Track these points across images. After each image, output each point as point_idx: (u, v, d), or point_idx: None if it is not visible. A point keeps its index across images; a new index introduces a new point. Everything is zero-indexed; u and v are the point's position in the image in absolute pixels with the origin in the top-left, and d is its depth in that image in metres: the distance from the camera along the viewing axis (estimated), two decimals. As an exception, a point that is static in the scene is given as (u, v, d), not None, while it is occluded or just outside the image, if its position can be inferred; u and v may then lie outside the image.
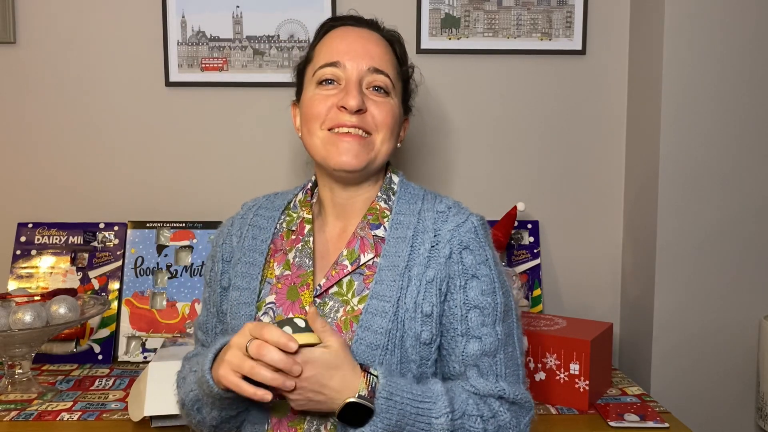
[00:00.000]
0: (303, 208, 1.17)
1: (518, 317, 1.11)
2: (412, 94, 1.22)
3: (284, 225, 1.17)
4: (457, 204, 1.12)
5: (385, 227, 1.11)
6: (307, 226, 1.15)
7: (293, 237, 1.15)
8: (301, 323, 0.96)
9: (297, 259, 1.12)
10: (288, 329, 0.94)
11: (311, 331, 0.96)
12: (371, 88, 1.10)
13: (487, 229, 1.11)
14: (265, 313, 1.09)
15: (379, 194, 1.14)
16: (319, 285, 1.08)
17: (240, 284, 1.13)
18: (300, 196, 1.21)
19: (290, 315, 1.07)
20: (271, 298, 1.10)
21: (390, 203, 1.13)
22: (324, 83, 1.10)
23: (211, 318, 1.20)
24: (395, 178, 1.18)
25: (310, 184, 1.22)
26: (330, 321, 1.05)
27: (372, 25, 1.17)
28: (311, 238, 1.13)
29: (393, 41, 1.17)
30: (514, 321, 1.09)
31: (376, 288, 1.04)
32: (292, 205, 1.20)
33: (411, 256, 1.06)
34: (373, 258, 1.08)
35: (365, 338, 1.01)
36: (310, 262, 1.11)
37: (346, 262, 1.09)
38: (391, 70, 1.12)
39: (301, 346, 0.93)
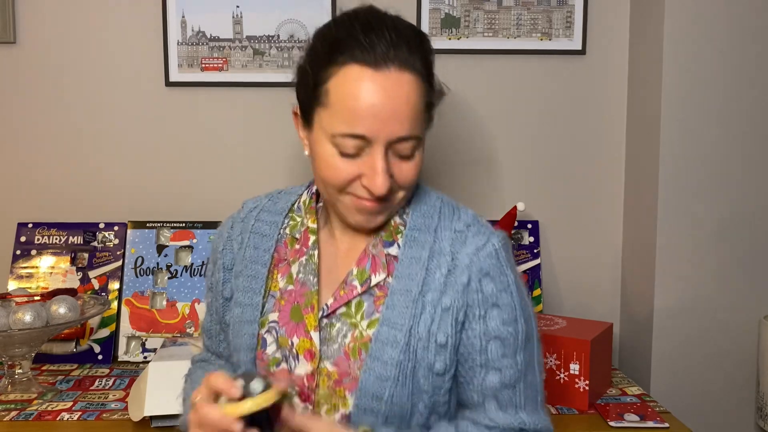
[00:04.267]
0: (308, 215, 1.07)
1: (539, 338, 1.03)
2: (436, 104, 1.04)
3: (287, 231, 1.08)
4: (476, 220, 1.02)
5: (398, 244, 1.01)
6: (312, 237, 1.05)
7: (297, 246, 1.06)
8: (259, 387, 0.88)
9: (301, 275, 1.03)
10: (256, 385, 0.87)
11: (270, 387, 0.88)
12: (399, 154, 0.95)
13: (508, 249, 1.01)
14: (268, 331, 1.03)
15: None
16: (326, 305, 1.01)
17: (242, 300, 1.05)
18: (304, 197, 1.10)
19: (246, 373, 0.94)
20: (274, 316, 1.03)
21: (405, 217, 1.03)
22: (344, 153, 0.94)
23: (214, 324, 1.15)
24: None
25: (315, 188, 1.09)
26: (337, 345, 0.98)
27: (401, 56, 0.92)
28: (316, 252, 1.04)
29: (426, 72, 0.97)
30: (534, 345, 1.01)
31: (387, 313, 0.97)
32: (296, 207, 1.10)
33: (426, 280, 0.97)
34: (385, 278, 1.00)
35: (375, 369, 0.95)
36: (315, 280, 1.02)
37: (356, 283, 1.00)
38: (422, 122, 0.96)
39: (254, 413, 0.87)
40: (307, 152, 1.02)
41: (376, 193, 0.93)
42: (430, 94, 0.97)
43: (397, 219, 1.03)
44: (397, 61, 0.91)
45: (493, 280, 0.97)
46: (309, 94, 0.96)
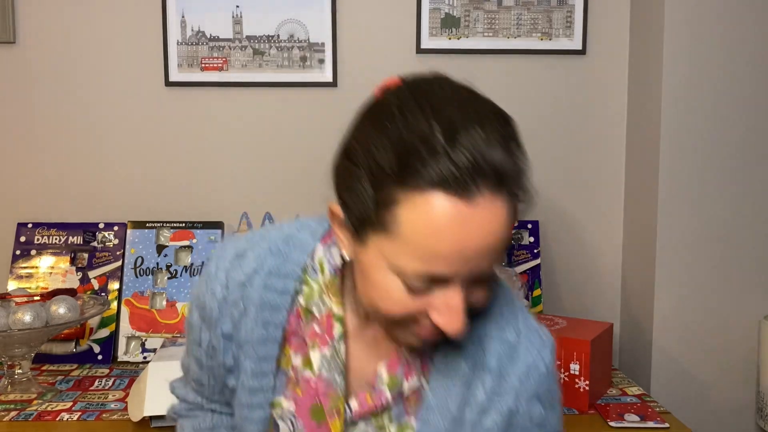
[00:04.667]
0: (332, 296, 0.86)
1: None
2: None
3: (302, 300, 0.87)
4: (527, 322, 0.86)
5: (436, 343, 0.83)
6: (338, 327, 0.85)
7: (316, 328, 0.86)
8: None
9: (324, 371, 0.86)
10: None
11: None
12: (475, 281, 0.75)
13: (554, 357, 0.88)
14: (282, 418, 0.88)
15: None
16: (349, 406, 0.86)
17: (250, 384, 0.88)
18: (320, 253, 0.87)
19: None
20: (290, 405, 0.88)
21: None
22: (413, 289, 0.74)
23: (206, 378, 0.96)
24: None
25: (337, 255, 0.85)
26: None
27: (494, 167, 0.68)
28: (342, 347, 0.85)
29: (519, 183, 0.72)
30: None
31: (422, 429, 0.84)
32: (309, 267, 0.87)
33: (465, 396, 0.83)
34: (418, 381, 0.85)
35: None
36: (341, 380, 0.86)
37: (386, 389, 0.85)
38: (507, 248, 0.79)
39: None
40: (347, 256, 0.81)
41: (451, 334, 0.75)
42: (520, 208, 0.74)
43: None
44: (491, 179, 0.68)
45: (541, 401, 0.84)
46: (364, 210, 0.73)
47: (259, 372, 0.87)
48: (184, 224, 1.76)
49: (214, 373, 0.94)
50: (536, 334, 0.86)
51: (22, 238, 1.75)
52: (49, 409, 1.39)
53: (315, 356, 0.86)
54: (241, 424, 0.90)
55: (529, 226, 1.81)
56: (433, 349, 0.84)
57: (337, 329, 0.86)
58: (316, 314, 0.87)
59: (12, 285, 1.70)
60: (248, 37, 1.76)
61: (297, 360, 0.87)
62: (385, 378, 0.85)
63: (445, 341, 0.81)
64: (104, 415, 1.37)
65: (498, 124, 0.72)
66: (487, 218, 0.69)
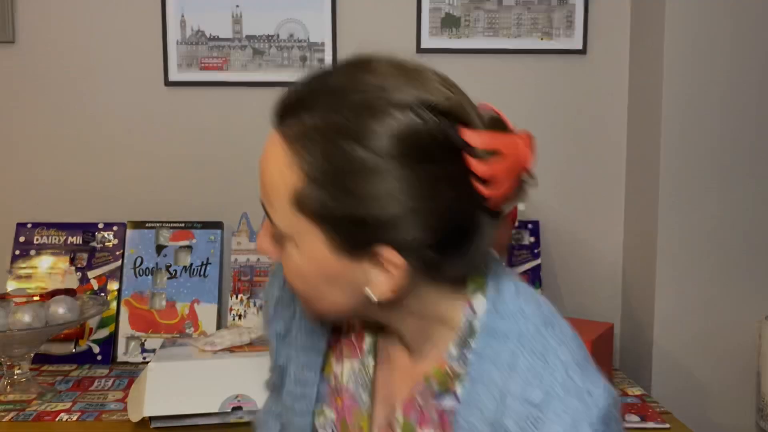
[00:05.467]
0: None
1: None
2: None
3: None
4: (563, 380, 0.67)
5: (457, 396, 0.73)
6: (368, 340, 0.82)
7: (353, 336, 0.84)
8: None
9: (351, 384, 0.83)
10: None
11: None
12: None
13: (611, 420, 0.67)
14: (324, 428, 0.85)
15: (451, 350, 0.74)
16: None
17: (293, 390, 0.86)
18: None
19: None
20: (331, 414, 0.84)
21: (466, 365, 0.73)
22: None
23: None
24: (479, 310, 0.75)
25: None
26: None
27: (281, 107, 0.72)
28: (372, 363, 0.81)
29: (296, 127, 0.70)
30: None
31: None
32: None
33: None
34: None
35: None
36: (367, 397, 0.81)
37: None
38: (282, 193, 0.70)
39: None
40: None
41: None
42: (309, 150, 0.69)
43: (454, 364, 0.74)
44: (276, 113, 0.73)
45: None
46: None
47: (302, 379, 0.85)
48: (183, 224, 1.76)
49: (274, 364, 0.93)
50: (575, 398, 0.66)
51: (22, 238, 1.75)
52: (48, 409, 1.39)
53: (346, 368, 0.84)
54: (286, 428, 0.89)
55: (530, 226, 1.80)
56: (456, 402, 0.74)
57: (367, 342, 0.82)
58: (355, 324, 0.84)
59: (11, 285, 1.70)
60: (248, 37, 1.76)
61: (337, 368, 0.85)
62: (401, 420, 0.78)
63: (468, 398, 0.71)
64: (104, 416, 1.37)
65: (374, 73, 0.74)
66: (267, 149, 0.72)
